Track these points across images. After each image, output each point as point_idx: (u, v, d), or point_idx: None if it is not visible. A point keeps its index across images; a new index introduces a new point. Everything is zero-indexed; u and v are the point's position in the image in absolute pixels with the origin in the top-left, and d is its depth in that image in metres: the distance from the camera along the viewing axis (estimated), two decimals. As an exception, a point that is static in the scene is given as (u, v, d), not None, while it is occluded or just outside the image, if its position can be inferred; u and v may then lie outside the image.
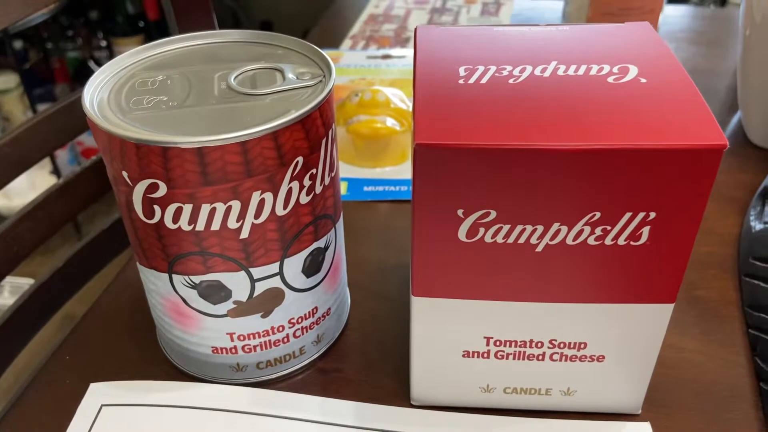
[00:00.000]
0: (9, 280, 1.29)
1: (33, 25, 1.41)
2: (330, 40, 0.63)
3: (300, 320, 0.28)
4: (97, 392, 0.28)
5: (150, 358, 0.31)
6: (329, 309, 0.30)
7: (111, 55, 1.56)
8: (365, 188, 0.41)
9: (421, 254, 0.23)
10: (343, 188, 0.41)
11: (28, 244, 0.42)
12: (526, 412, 0.27)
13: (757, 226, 0.34)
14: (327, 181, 0.27)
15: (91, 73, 1.52)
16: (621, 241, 0.22)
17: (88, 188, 0.47)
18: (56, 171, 1.40)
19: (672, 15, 0.65)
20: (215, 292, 0.26)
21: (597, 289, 0.23)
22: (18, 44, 1.46)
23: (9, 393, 0.28)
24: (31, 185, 1.38)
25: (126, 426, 0.26)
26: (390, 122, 0.42)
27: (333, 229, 0.28)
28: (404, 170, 0.43)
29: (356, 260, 0.36)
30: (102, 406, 0.27)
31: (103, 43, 1.61)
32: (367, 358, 0.30)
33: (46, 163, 1.40)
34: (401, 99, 0.44)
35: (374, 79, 0.52)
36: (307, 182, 0.25)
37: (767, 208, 0.35)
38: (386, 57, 0.56)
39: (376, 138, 0.42)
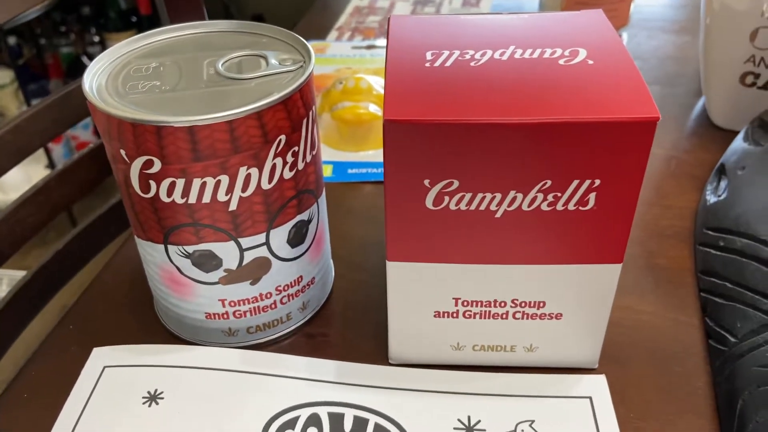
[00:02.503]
0: (6, 273, 1.31)
1: (26, 21, 1.42)
2: (317, 31, 0.65)
3: (286, 288, 0.31)
4: (100, 355, 0.30)
5: (148, 327, 0.33)
6: (314, 278, 0.32)
7: (104, 51, 1.57)
8: (349, 170, 0.44)
9: (393, 222, 0.26)
10: (329, 171, 0.44)
11: (30, 228, 0.44)
12: (493, 367, 0.30)
13: (712, 199, 0.37)
14: (309, 158, 0.29)
15: (84, 68, 1.54)
16: (571, 207, 0.25)
17: (87, 174, 0.49)
18: (52, 165, 1.42)
19: (646, 4, 0.68)
20: (207, 261, 0.28)
21: (551, 251, 0.26)
22: (12, 40, 1.48)
23: (4, 385, 0.30)
24: (27, 179, 1.40)
25: (127, 385, 0.29)
26: (372, 108, 0.45)
27: (315, 203, 0.31)
28: (383, 168, 0.45)
29: (341, 236, 0.38)
30: (105, 367, 0.29)
31: (96, 39, 1.62)
32: (349, 324, 0.33)
33: (41, 157, 1.42)
34: (383, 86, 0.46)
35: (359, 69, 0.54)
36: (289, 159, 0.28)
37: (722, 183, 0.37)
38: (370, 47, 0.59)
39: (360, 123, 0.45)
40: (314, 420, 0.27)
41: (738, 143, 0.38)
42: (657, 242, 0.37)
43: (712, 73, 0.45)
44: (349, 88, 0.45)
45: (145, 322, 0.33)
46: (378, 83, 0.46)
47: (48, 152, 1.40)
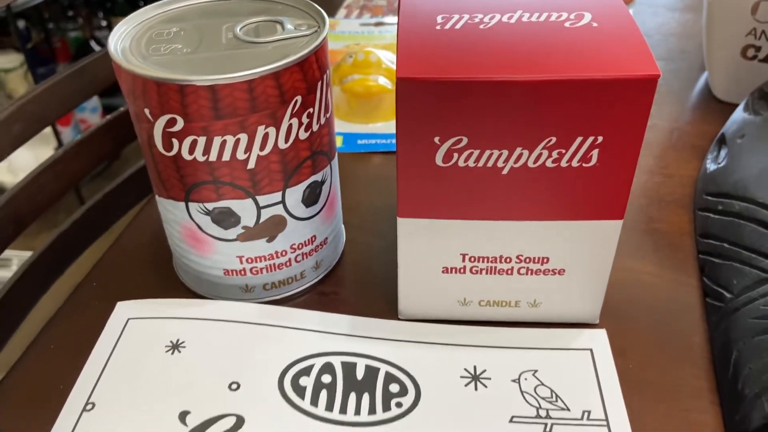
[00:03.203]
0: (16, 254, 1.33)
1: (34, 5, 1.43)
2: (325, 9, 0.66)
3: (300, 246, 0.32)
4: (124, 308, 0.32)
5: (168, 285, 0.34)
6: (326, 238, 0.34)
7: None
8: (359, 141, 0.45)
9: (405, 179, 0.27)
10: (339, 142, 0.45)
11: (48, 196, 0.45)
12: (498, 322, 0.31)
13: (712, 167, 0.38)
14: (323, 120, 0.30)
15: (92, 51, 1.55)
16: (574, 163, 0.26)
17: (100, 150, 0.50)
18: (61, 147, 1.43)
19: (652, -16, 0.68)
20: (226, 218, 0.30)
21: (556, 208, 0.27)
22: (21, 24, 1.49)
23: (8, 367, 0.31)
24: (37, 162, 1.41)
25: (150, 335, 0.30)
26: (382, 81, 0.46)
27: (329, 165, 0.32)
28: (395, 126, 0.46)
29: (351, 203, 0.40)
30: (129, 319, 0.31)
31: (104, 23, 1.63)
32: (360, 284, 0.34)
33: (51, 140, 1.44)
34: (392, 60, 0.47)
35: (367, 44, 0.55)
36: (305, 120, 0.29)
37: (722, 152, 0.38)
38: (379, 24, 0.60)
39: (369, 96, 0.46)
40: (328, 368, 0.29)
41: (738, 113, 0.39)
42: (658, 208, 0.38)
43: (714, 46, 0.46)
44: (359, 62, 0.46)
45: (165, 280, 0.35)
46: (387, 57, 0.47)
47: (57, 135, 1.42)
